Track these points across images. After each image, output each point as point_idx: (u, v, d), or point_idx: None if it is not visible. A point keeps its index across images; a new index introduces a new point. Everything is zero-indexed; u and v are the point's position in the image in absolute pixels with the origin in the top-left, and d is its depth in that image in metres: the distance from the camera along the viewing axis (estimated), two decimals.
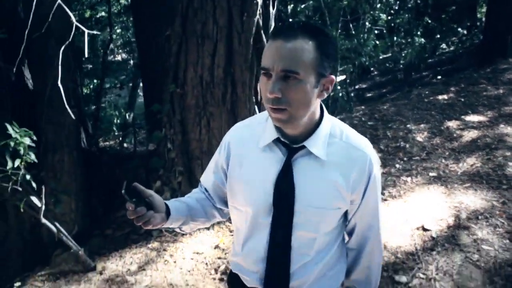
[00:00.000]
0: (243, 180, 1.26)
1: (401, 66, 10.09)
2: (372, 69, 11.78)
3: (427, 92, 6.51)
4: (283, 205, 1.19)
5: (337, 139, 1.20)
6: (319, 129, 1.18)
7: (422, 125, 5.24)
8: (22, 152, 2.38)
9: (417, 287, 2.69)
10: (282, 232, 1.21)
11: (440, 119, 5.35)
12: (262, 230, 1.25)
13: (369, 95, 9.68)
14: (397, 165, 4.38)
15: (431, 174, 4.09)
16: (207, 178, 1.43)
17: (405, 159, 4.51)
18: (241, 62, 3.58)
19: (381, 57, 11.16)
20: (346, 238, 1.38)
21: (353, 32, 7.33)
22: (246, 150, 1.26)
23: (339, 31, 7.02)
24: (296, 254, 1.24)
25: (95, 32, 2.81)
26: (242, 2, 3.48)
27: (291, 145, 1.19)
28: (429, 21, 8.79)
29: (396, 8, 9.73)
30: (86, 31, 2.44)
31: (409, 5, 9.73)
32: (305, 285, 1.27)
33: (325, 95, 1.14)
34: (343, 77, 7.72)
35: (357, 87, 9.20)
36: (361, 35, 7.12)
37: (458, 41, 11.20)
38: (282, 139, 1.19)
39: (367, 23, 8.37)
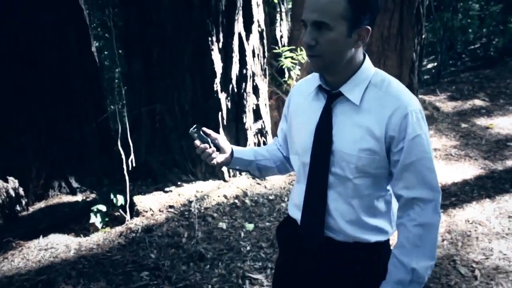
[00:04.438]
0: (296, 127, 1.37)
1: (492, 53, 10.89)
2: (464, 55, 13.23)
3: None
4: (320, 145, 1.26)
5: (376, 87, 1.22)
6: (356, 75, 1.22)
7: None
8: None
9: None
10: (319, 170, 1.28)
11: None
12: (306, 170, 1.33)
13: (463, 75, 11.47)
14: (501, 100, 6.45)
15: None
16: (279, 128, 1.55)
17: (506, 98, 6.55)
18: (407, 24, 5.87)
19: (471, 47, 12.61)
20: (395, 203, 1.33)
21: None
22: (302, 100, 1.37)
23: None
24: (334, 192, 1.27)
25: None
26: None
27: (331, 91, 1.26)
28: None
29: None
30: None
31: None
32: (341, 223, 1.28)
33: (361, 45, 1.19)
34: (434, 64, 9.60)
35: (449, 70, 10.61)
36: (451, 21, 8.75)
37: None
38: (323, 86, 1.27)
39: (459, 15, 10.14)
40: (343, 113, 1.24)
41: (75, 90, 4.95)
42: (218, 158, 1.40)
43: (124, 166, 3.29)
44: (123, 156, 3.25)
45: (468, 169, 4.26)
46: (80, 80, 5.00)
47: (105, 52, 9.41)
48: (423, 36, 6.52)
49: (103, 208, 3.52)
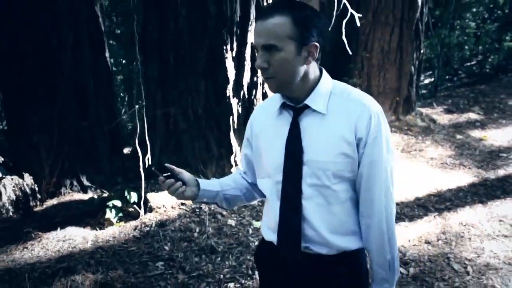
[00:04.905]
0: (264, 148, 1.38)
1: (487, 70, 11.34)
2: (460, 72, 13.58)
3: None
4: (292, 159, 1.28)
5: (338, 96, 1.28)
6: (317, 88, 1.27)
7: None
8: None
9: None
10: (293, 182, 1.28)
11: None
12: (279, 189, 1.33)
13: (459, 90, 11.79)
14: (495, 114, 6.72)
15: None
16: (242, 155, 1.56)
17: (500, 113, 6.83)
18: (407, 39, 6.16)
19: (468, 64, 12.97)
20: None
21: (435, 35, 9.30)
22: (266, 121, 1.39)
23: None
24: (311, 203, 1.28)
25: None
26: (411, 4, 6.07)
27: (296, 106, 1.29)
28: None
29: (486, 16, 11.65)
30: None
31: (497, 14, 11.54)
32: (325, 234, 1.29)
33: (312, 61, 1.24)
34: (430, 79, 9.92)
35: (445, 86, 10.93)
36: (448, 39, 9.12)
37: None
38: (287, 103, 1.31)
39: (456, 32, 10.49)
40: (311, 124, 1.27)
41: (87, 93, 5.17)
42: (186, 192, 1.37)
43: (141, 164, 3.50)
44: (140, 155, 3.45)
45: (462, 177, 4.50)
46: (92, 83, 5.23)
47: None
48: (422, 51, 6.82)
49: (118, 203, 3.73)
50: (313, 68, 1.27)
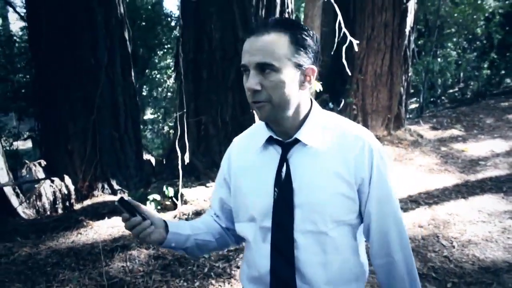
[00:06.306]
0: (246, 189, 1.20)
1: (468, 96, 12.07)
2: (443, 98, 14.48)
3: (493, 101, 9.66)
4: (281, 202, 1.12)
5: (331, 129, 1.14)
6: (309, 120, 1.13)
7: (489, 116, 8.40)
8: None
9: None
10: (284, 233, 1.12)
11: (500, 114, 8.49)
12: (267, 235, 1.16)
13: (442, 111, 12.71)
14: (475, 130, 7.56)
15: (495, 135, 7.24)
16: (214, 196, 1.36)
17: (479, 129, 7.67)
18: (396, 63, 7.01)
19: (450, 91, 13.93)
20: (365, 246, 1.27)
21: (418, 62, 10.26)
22: (248, 157, 1.21)
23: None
24: (305, 253, 1.13)
25: None
26: (399, 33, 6.95)
27: (285, 141, 1.14)
28: (495, 57, 11.54)
29: (465, 46, 12.71)
30: None
31: (476, 44, 12.62)
32: (316, 286, 1.14)
33: (308, 86, 1.10)
34: (416, 105, 10.83)
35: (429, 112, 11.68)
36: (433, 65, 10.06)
37: None
38: (275, 137, 1.15)
39: (439, 60, 11.47)
40: (303, 162, 1.13)
41: (118, 107, 5.87)
42: (153, 234, 1.16)
43: (179, 162, 4.16)
44: (179, 154, 4.12)
45: (447, 179, 5.24)
46: (122, 99, 5.94)
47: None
48: (409, 74, 7.68)
49: (157, 197, 4.36)
50: (306, 97, 1.14)
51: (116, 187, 5.69)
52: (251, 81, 1.04)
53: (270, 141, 1.17)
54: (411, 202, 4.58)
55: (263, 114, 1.09)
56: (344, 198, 1.12)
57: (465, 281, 3.09)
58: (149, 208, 1.21)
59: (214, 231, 1.33)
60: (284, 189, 1.12)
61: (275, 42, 1.03)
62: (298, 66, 1.06)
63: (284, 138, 1.15)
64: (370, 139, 1.14)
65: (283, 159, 1.14)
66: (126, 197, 1.15)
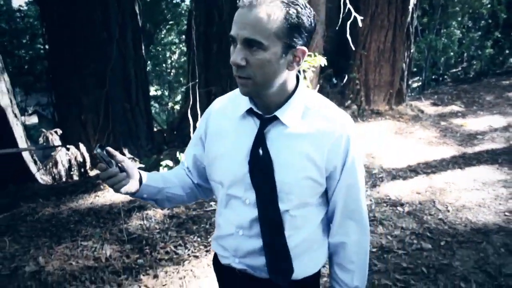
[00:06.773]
0: (220, 153, 1.20)
1: (471, 75, 12.28)
2: (445, 76, 14.60)
3: (494, 79, 9.82)
4: (263, 179, 1.12)
5: (313, 111, 1.13)
6: (292, 100, 1.12)
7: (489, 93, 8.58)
8: None
9: None
10: (271, 208, 1.14)
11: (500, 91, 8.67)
12: (240, 206, 1.19)
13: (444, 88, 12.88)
14: (474, 107, 7.76)
15: (494, 111, 7.44)
16: (188, 152, 1.37)
17: (478, 106, 7.86)
18: (399, 40, 7.16)
19: (453, 70, 14.04)
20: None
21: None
22: (226, 122, 1.20)
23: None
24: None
25: None
26: (403, 10, 7.08)
27: (264, 115, 1.13)
28: (499, 36, 11.52)
29: (469, 25, 12.76)
30: None
31: (481, 24, 12.68)
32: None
33: (296, 67, 1.07)
34: (419, 83, 11.00)
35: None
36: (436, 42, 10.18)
37: None
38: (255, 110, 1.14)
39: (443, 39, 11.58)
40: (278, 140, 1.13)
41: (130, 80, 6.08)
42: (127, 185, 1.16)
43: (191, 130, 4.39)
44: (191, 121, 4.34)
45: (445, 151, 5.47)
46: (133, 72, 6.14)
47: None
48: (412, 51, 7.84)
49: (170, 163, 4.60)
50: (292, 76, 1.12)
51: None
52: (237, 56, 1.01)
53: (250, 112, 1.16)
54: (410, 172, 4.82)
55: (244, 90, 1.08)
56: (311, 182, 1.13)
57: (458, 240, 3.34)
58: (126, 158, 1.19)
59: (185, 185, 1.35)
60: (263, 164, 1.12)
61: (268, 18, 0.98)
62: (289, 46, 1.02)
63: (264, 112, 1.13)
64: (349, 127, 1.15)
65: (260, 134, 1.13)
66: (105, 145, 1.13)
